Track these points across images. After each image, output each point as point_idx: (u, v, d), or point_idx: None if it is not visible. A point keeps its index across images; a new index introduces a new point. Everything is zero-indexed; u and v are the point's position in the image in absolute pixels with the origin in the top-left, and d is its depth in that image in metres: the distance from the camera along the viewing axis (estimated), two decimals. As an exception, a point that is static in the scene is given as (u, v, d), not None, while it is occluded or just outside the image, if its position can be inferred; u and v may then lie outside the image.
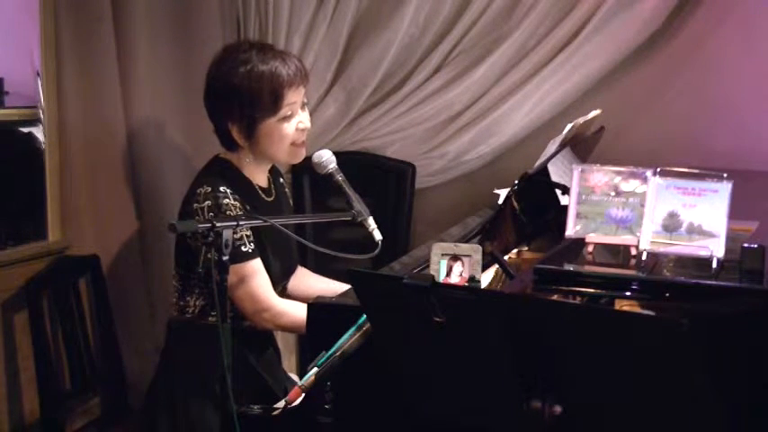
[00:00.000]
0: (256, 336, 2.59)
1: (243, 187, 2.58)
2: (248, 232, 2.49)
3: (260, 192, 2.63)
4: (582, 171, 2.11)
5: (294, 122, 2.57)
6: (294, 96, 2.55)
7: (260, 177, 2.65)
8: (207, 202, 2.47)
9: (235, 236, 2.34)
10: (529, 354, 1.66)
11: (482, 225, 2.73)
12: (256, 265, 2.50)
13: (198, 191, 2.51)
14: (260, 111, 2.52)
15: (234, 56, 2.55)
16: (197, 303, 2.58)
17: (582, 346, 1.63)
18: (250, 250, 2.48)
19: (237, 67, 2.52)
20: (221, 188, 2.49)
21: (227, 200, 2.47)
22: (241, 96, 2.51)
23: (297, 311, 2.52)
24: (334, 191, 2.55)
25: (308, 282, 2.84)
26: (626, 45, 3.26)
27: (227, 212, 2.45)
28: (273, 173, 2.74)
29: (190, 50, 3.45)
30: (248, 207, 2.51)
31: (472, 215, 3.01)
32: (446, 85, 3.39)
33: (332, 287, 2.76)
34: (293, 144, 2.58)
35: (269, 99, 2.51)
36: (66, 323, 3.30)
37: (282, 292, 2.73)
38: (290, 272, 2.73)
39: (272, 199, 2.67)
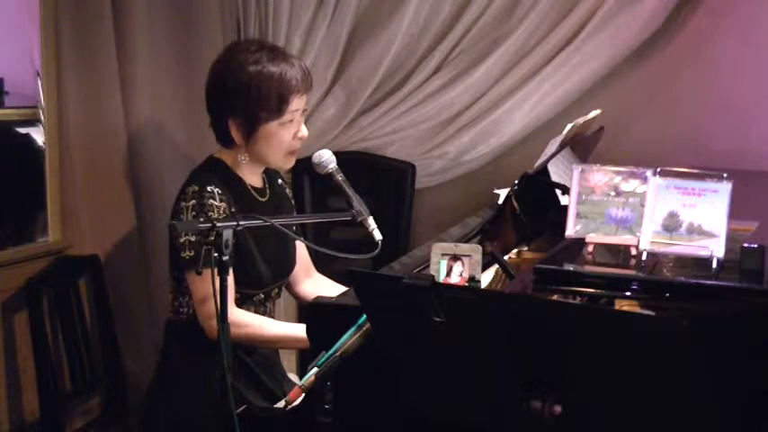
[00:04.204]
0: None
1: (235, 187, 2.57)
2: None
3: (253, 192, 2.63)
4: (582, 171, 2.11)
5: (293, 131, 2.57)
6: (298, 103, 2.55)
7: (253, 178, 2.65)
8: (192, 201, 2.48)
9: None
10: (529, 354, 1.66)
11: (482, 225, 2.73)
12: None
13: (187, 189, 2.52)
14: (264, 111, 2.52)
15: (244, 54, 2.55)
16: (190, 304, 2.58)
17: (582, 345, 1.63)
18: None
19: (247, 66, 2.52)
20: (209, 188, 2.49)
21: (213, 201, 2.47)
22: (248, 94, 2.51)
23: (253, 323, 2.52)
24: (334, 191, 2.54)
25: (322, 288, 2.82)
26: (626, 45, 3.26)
27: (209, 213, 2.44)
28: (270, 174, 2.74)
29: (190, 50, 3.45)
30: (235, 208, 2.50)
31: (472, 215, 3.01)
32: (446, 85, 3.39)
33: None
34: (288, 152, 2.59)
35: (275, 101, 2.51)
36: (67, 323, 3.30)
37: (278, 293, 2.72)
38: (284, 274, 2.72)
39: (265, 199, 2.67)
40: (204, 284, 2.32)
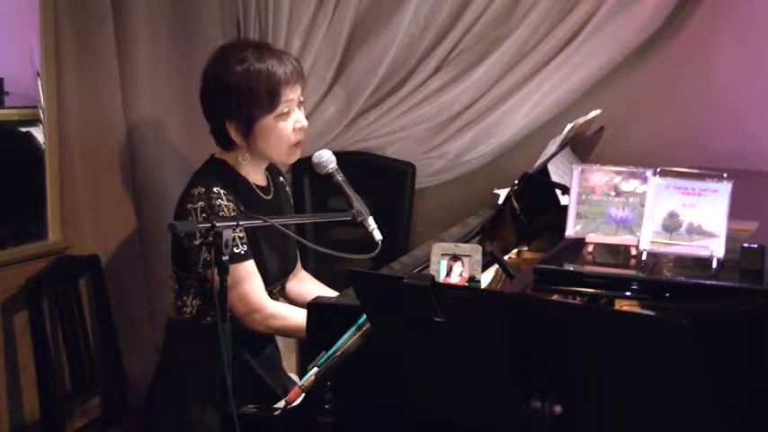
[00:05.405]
0: (256, 336, 2.59)
1: (239, 187, 2.58)
2: (241, 234, 2.49)
3: (257, 190, 2.63)
4: (582, 171, 2.11)
5: (291, 121, 2.58)
6: (291, 94, 2.56)
7: (257, 176, 2.66)
8: (200, 203, 2.48)
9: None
10: (529, 354, 1.66)
11: (482, 225, 2.73)
12: (249, 266, 2.50)
13: (192, 191, 2.52)
14: (257, 108, 2.53)
15: (230, 55, 2.56)
16: (194, 303, 2.58)
17: (582, 345, 1.63)
18: (243, 252, 2.48)
19: (234, 66, 2.53)
20: (215, 189, 2.49)
21: (221, 201, 2.48)
22: (238, 94, 2.52)
23: (291, 315, 2.52)
24: (334, 191, 2.55)
25: (307, 288, 2.83)
26: (626, 45, 3.26)
27: (220, 213, 2.45)
28: (272, 171, 2.74)
29: (190, 50, 3.45)
30: (242, 207, 2.51)
31: (472, 215, 3.01)
32: (446, 85, 3.39)
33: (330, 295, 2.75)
34: (291, 144, 2.59)
35: (266, 96, 2.52)
36: (66, 323, 3.30)
37: (281, 290, 2.73)
38: (287, 271, 2.73)
39: (270, 197, 2.67)
40: (236, 282, 2.39)
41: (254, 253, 2.54)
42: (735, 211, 1.99)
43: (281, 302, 2.64)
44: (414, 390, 1.90)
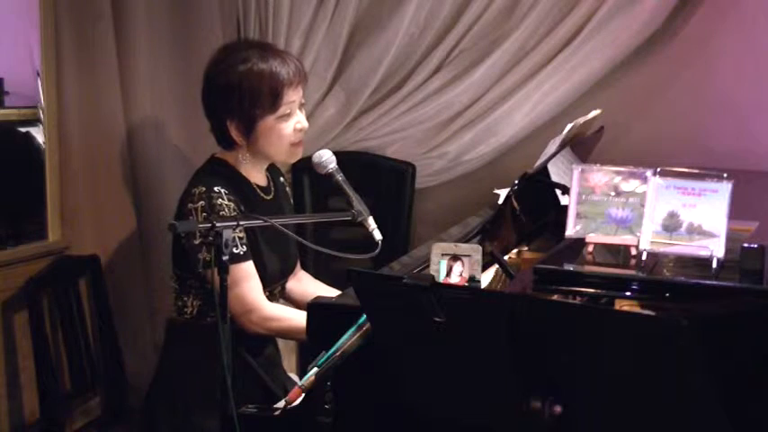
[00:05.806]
0: (256, 336, 2.59)
1: (240, 186, 2.58)
2: (241, 234, 2.49)
3: (258, 190, 2.63)
4: (582, 171, 2.11)
5: (292, 122, 2.58)
6: (293, 95, 2.56)
7: (257, 176, 2.66)
8: (201, 203, 2.48)
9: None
10: (529, 354, 1.66)
11: (482, 225, 2.73)
12: (248, 267, 2.50)
13: (193, 191, 2.52)
14: (259, 108, 2.53)
15: (233, 54, 2.56)
16: (194, 304, 2.58)
17: (582, 345, 1.63)
18: (242, 252, 2.48)
19: (237, 65, 2.53)
20: (216, 188, 2.49)
21: (221, 200, 2.48)
22: (241, 94, 2.52)
23: (288, 317, 2.52)
24: (335, 191, 2.55)
25: (307, 287, 2.83)
26: (626, 45, 3.26)
27: (221, 213, 2.45)
28: (273, 171, 2.74)
29: (190, 50, 3.45)
30: (243, 207, 2.51)
31: (472, 215, 3.01)
32: (446, 85, 3.39)
33: (330, 294, 2.75)
34: (291, 144, 2.59)
35: (268, 97, 2.52)
36: (66, 323, 3.30)
37: (281, 291, 2.73)
38: (288, 271, 2.73)
39: (270, 197, 2.67)
40: (234, 282, 2.36)
41: (254, 253, 2.54)
42: (735, 211, 1.99)
43: (279, 304, 2.64)
44: (414, 390, 1.90)
